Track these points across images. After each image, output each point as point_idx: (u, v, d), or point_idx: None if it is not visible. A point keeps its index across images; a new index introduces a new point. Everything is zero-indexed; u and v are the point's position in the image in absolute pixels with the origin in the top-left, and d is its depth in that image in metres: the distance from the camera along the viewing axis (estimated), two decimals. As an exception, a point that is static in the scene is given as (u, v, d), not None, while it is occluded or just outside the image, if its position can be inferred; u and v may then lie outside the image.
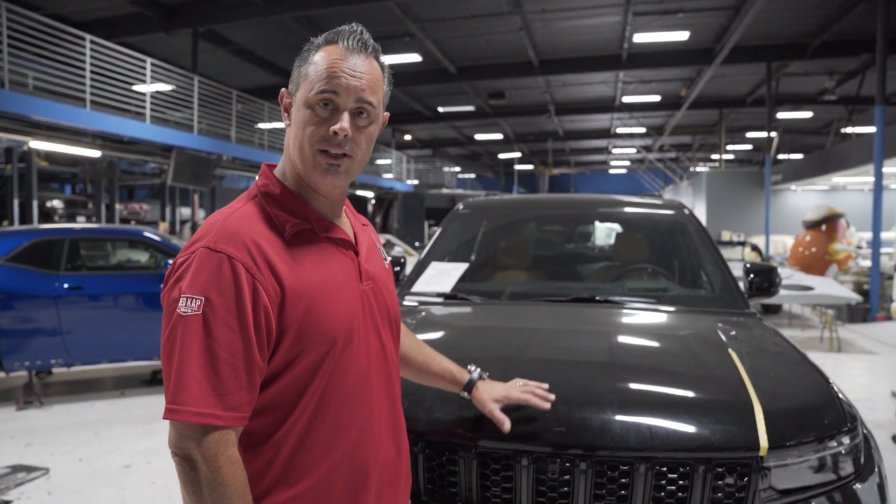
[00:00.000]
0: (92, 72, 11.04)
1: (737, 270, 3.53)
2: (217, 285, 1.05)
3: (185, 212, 20.70)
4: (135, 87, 12.33)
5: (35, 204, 13.06)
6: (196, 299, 1.04)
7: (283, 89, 1.24)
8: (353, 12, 12.85)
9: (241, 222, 1.12)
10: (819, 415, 1.73)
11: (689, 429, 1.61)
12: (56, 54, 10.52)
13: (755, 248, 13.85)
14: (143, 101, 12.44)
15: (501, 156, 35.93)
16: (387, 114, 1.28)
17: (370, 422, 1.21)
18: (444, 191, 27.47)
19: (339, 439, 1.15)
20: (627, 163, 39.29)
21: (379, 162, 24.92)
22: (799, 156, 26.46)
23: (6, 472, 4.13)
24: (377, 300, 1.26)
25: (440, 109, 23.38)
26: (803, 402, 1.80)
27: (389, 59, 1.28)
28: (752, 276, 3.03)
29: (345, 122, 1.13)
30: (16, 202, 13.14)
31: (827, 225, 13.78)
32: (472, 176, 42.39)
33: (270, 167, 1.25)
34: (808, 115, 22.11)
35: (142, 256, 8.34)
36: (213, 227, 1.12)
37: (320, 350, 1.12)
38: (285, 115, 1.22)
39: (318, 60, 1.15)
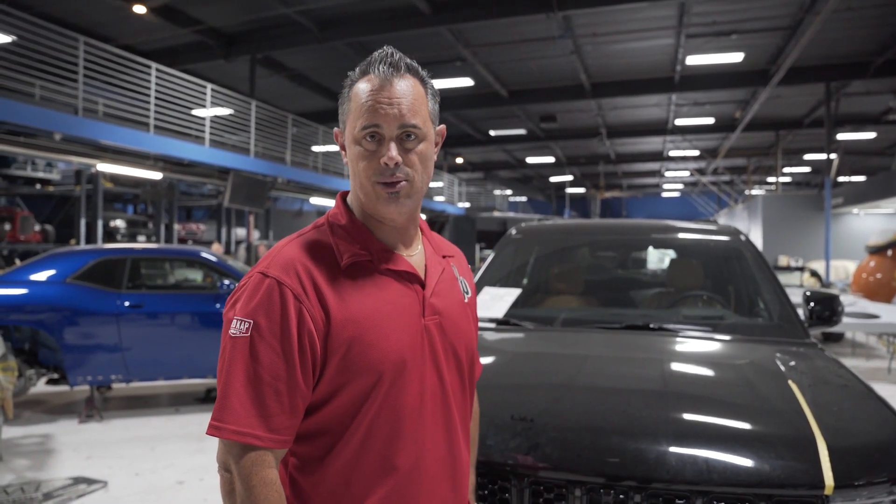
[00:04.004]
0: (156, 98, 11.54)
1: (796, 297, 3.41)
2: (265, 310, 1.08)
3: (240, 232, 21.24)
4: (195, 112, 12.82)
5: (100, 224, 13.65)
6: (246, 322, 1.08)
7: (335, 129, 1.27)
8: (406, 38, 13.08)
9: (298, 250, 1.16)
10: (891, 453, 1.64)
11: (748, 463, 1.56)
12: (124, 82, 11.07)
13: (815, 274, 13.39)
14: (203, 125, 12.91)
15: (553, 179, 35.72)
16: (442, 126, 1.27)
17: (422, 461, 1.17)
18: (496, 214, 27.44)
19: (386, 474, 1.14)
20: (681, 186, 38.60)
21: (431, 185, 25.01)
22: (861, 178, 25.55)
23: (69, 483, 4.28)
24: (441, 336, 1.22)
25: (491, 133, 23.49)
26: (872, 439, 1.71)
27: (441, 84, 1.27)
28: (812, 304, 2.88)
29: (392, 151, 1.13)
30: (83, 222, 13.74)
31: (893, 250, 13.22)
32: (524, 199, 42.24)
33: (344, 195, 1.27)
34: (870, 135, 21.34)
35: (198, 275, 8.58)
36: (272, 253, 1.17)
37: (367, 381, 1.12)
38: (343, 152, 1.24)
39: (356, 96, 1.17)
